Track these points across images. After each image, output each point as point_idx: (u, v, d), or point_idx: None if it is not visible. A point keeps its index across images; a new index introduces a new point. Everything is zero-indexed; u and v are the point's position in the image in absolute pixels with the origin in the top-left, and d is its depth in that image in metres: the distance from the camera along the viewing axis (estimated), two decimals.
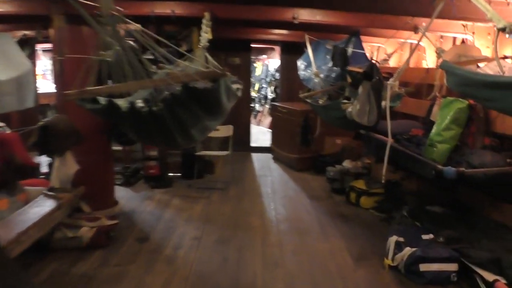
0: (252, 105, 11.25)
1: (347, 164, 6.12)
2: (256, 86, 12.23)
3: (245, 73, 8.28)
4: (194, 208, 5.22)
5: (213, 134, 5.66)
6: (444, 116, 3.72)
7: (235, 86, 3.62)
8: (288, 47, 8.26)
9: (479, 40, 4.18)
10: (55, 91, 4.74)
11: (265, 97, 11.99)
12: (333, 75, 5.59)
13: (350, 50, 5.26)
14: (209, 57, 3.98)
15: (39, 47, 7.72)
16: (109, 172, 4.82)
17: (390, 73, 4.66)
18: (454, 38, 4.79)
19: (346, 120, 4.28)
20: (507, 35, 1.99)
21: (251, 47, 8.67)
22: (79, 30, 4.15)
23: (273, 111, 8.38)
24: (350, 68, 4.99)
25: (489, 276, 3.04)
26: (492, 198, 3.87)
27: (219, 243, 4.18)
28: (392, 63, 6.07)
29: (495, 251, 3.24)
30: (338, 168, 5.99)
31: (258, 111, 12.19)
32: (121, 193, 5.48)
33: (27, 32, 5.93)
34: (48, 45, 6.66)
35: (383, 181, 3.49)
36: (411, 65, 5.46)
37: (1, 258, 2.49)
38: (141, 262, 3.72)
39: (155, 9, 4.34)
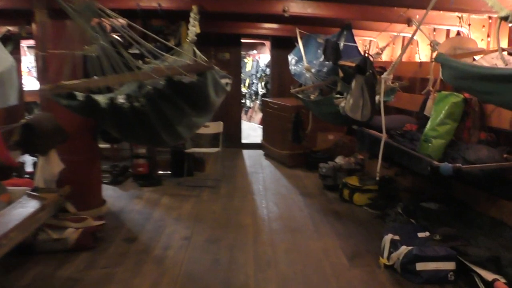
0: (242, 101, 11.20)
1: (339, 160, 6.03)
2: (247, 82, 12.14)
3: (235, 69, 8.21)
4: (184, 206, 5.12)
5: (203, 130, 5.58)
6: (439, 110, 3.67)
7: (224, 81, 3.53)
8: (279, 42, 8.18)
9: (474, 33, 4.11)
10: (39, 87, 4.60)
11: (256, 93, 11.92)
12: (325, 69, 5.53)
13: (342, 44, 5.19)
14: (197, 52, 3.88)
15: (25, 43, 7.57)
16: (95, 170, 4.67)
17: (383, 67, 4.60)
18: (448, 31, 4.73)
19: (339, 115, 4.21)
20: (510, 24, 1.91)
21: (241, 42, 8.58)
22: (62, 25, 4.00)
23: (264, 107, 8.29)
24: (342, 62, 4.92)
25: (488, 275, 2.96)
26: (489, 193, 3.81)
27: (209, 243, 4.08)
28: (384, 57, 6.00)
29: (493, 248, 3.18)
30: (330, 165, 5.90)
31: (249, 107, 12.11)
32: (109, 192, 5.38)
33: (11, 28, 5.79)
34: (33, 41, 6.52)
35: (377, 178, 3.42)
36: (404, 59, 5.39)
37: None
38: (129, 263, 3.61)
39: (141, 3, 4.23)
